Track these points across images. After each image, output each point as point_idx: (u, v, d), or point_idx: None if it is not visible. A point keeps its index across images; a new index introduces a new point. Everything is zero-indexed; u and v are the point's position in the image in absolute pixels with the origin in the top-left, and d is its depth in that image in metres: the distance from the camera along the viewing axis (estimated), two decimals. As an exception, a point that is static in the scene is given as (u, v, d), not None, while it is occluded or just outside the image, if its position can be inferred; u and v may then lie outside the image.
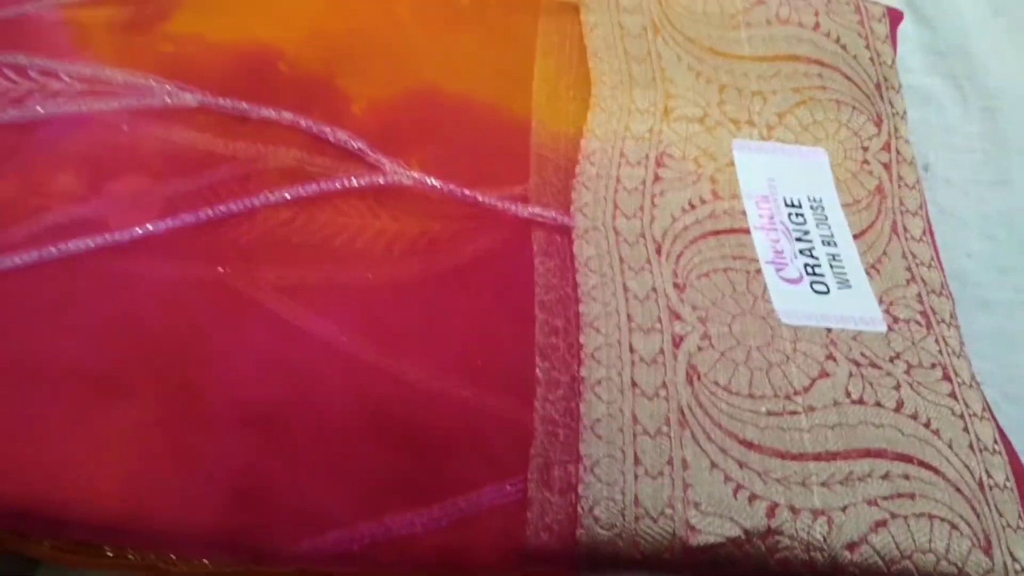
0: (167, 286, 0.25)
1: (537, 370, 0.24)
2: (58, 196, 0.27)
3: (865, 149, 0.32)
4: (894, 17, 0.36)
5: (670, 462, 0.23)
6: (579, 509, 0.22)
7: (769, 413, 0.24)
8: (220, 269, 0.25)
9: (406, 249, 0.27)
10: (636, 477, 0.23)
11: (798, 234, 0.29)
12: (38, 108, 0.29)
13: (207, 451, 0.22)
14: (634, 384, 0.24)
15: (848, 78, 0.33)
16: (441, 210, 0.28)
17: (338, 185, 0.28)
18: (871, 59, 0.34)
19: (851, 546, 0.22)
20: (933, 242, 0.30)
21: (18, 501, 0.21)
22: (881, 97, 0.33)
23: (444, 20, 0.33)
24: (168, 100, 0.29)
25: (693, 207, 0.29)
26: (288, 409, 0.23)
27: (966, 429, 0.25)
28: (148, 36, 0.31)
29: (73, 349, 0.23)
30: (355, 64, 0.31)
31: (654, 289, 0.27)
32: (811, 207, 0.30)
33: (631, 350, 0.25)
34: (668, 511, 0.22)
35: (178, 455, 0.22)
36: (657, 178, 0.30)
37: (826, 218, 0.30)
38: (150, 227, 0.26)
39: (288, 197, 0.27)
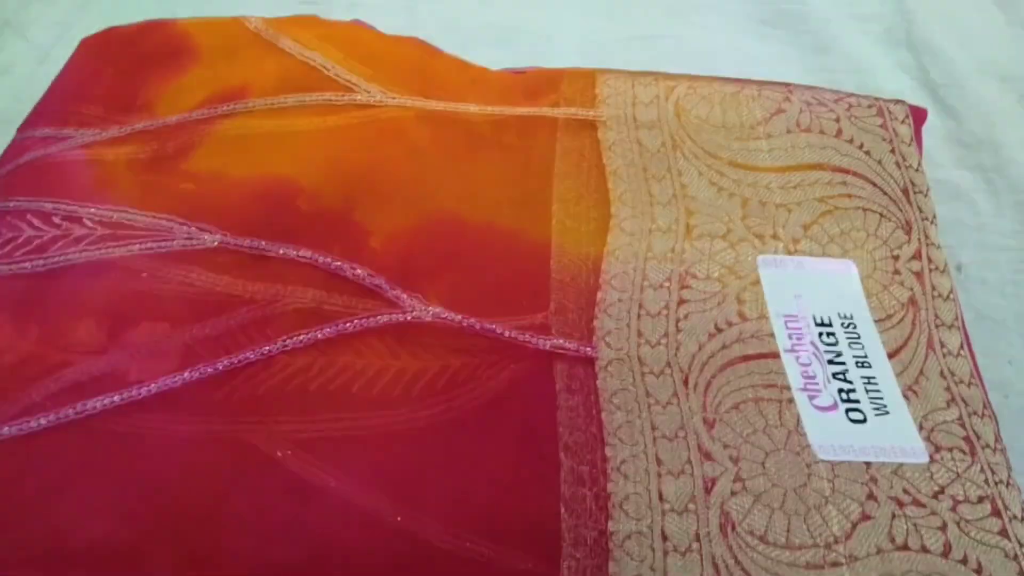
0: (186, 444, 0.24)
1: (563, 526, 0.23)
2: (78, 349, 0.26)
3: (895, 259, 0.30)
4: (917, 116, 0.35)
5: (706, 627, 0.22)
6: None
7: (808, 566, 0.23)
8: (235, 425, 0.25)
9: (425, 389, 0.26)
10: (669, 646, 0.21)
11: (830, 356, 0.28)
12: (60, 257, 0.29)
13: None
14: (665, 538, 0.23)
15: (874, 184, 0.32)
16: (460, 344, 0.28)
17: (356, 326, 0.27)
18: (896, 163, 0.33)
19: None
20: (971, 354, 0.29)
21: None
22: (909, 202, 0.32)
23: (461, 146, 0.33)
24: (188, 242, 0.29)
25: (720, 330, 0.28)
26: (305, 573, 0.22)
27: (1021, 573, 0.23)
28: (169, 175, 0.32)
29: (94, 521, 0.23)
30: (373, 196, 0.31)
31: (682, 427, 0.25)
32: (842, 325, 0.29)
33: (660, 498, 0.24)
34: None
35: None
36: (681, 300, 0.29)
37: (858, 336, 0.28)
38: (169, 381, 0.26)
39: (305, 341, 0.27)
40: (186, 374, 0.26)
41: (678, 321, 0.28)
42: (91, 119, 0.34)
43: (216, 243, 0.29)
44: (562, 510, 0.23)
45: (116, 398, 0.25)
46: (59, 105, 0.34)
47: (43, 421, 0.24)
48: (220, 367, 0.26)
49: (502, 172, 0.32)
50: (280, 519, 0.23)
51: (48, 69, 0.40)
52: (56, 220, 0.30)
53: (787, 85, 0.35)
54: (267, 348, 0.26)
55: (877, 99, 0.35)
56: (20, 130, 0.34)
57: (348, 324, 0.27)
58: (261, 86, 0.34)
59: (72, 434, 0.24)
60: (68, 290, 0.28)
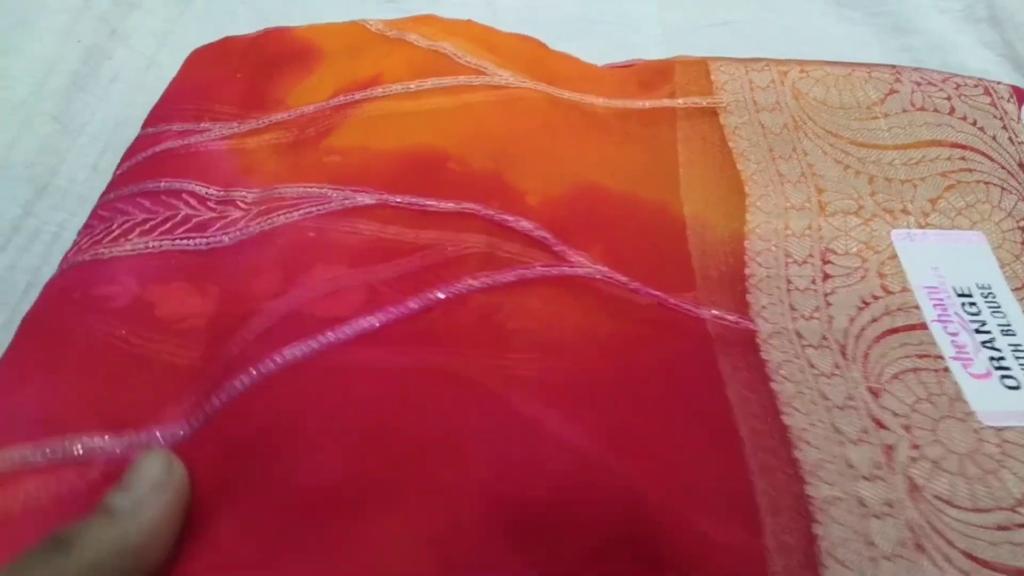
0: (401, 379, 0.23)
1: (757, 492, 0.23)
2: (257, 298, 0.26)
3: (1022, 229, 0.31)
4: (1020, 95, 0.35)
5: (915, 587, 0.22)
6: (829, 643, 0.21)
7: (999, 527, 0.23)
8: (443, 357, 0.24)
9: (603, 346, 0.26)
10: (883, 605, 0.21)
11: (975, 325, 0.28)
12: (223, 237, 0.28)
13: (476, 563, 0.21)
14: (861, 503, 0.23)
15: (991, 159, 0.32)
16: (622, 309, 0.27)
17: (536, 273, 0.27)
18: (1010, 139, 0.33)
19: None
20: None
21: None
22: (1025, 176, 0.32)
23: (591, 129, 0.33)
24: (346, 202, 0.28)
25: (867, 304, 0.28)
26: (545, 519, 0.21)
27: None
28: (313, 152, 0.31)
29: (330, 461, 0.22)
30: (521, 162, 0.30)
31: (851, 397, 0.25)
32: (982, 295, 0.29)
33: (848, 465, 0.24)
34: (921, 641, 0.21)
35: (449, 568, 0.20)
36: (826, 276, 0.29)
37: (999, 306, 0.29)
38: (369, 320, 0.25)
39: (491, 282, 0.26)
40: (385, 311, 0.25)
41: (826, 295, 0.28)
42: (226, 115, 0.33)
43: (375, 200, 0.28)
44: (754, 476, 0.23)
45: (322, 338, 0.24)
46: (190, 104, 0.34)
47: (253, 375, 0.23)
48: (413, 306, 0.25)
49: (630, 155, 0.32)
50: (513, 457, 0.22)
51: (154, 74, 0.40)
52: (211, 204, 0.29)
53: (893, 67, 0.35)
54: (454, 288, 0.26)
55: (981, 79, 0.35)
56: (150, 124, 0.34)
57: (527, 271, 0.27)
58: (394, 73, 0.33)
59: (283, 377, 0.23)
60: (239, 256, 0.27)
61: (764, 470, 0.24)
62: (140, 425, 0.24)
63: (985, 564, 0.22)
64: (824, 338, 0.27)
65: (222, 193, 0.30)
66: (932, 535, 0.22)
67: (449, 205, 0.28)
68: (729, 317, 0.27)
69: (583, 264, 0.28)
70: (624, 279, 0.28)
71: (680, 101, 0.34)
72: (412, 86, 0.32)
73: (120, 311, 0.26)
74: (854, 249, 0.29)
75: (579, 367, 0.25)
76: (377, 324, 0.24)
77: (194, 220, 0.29)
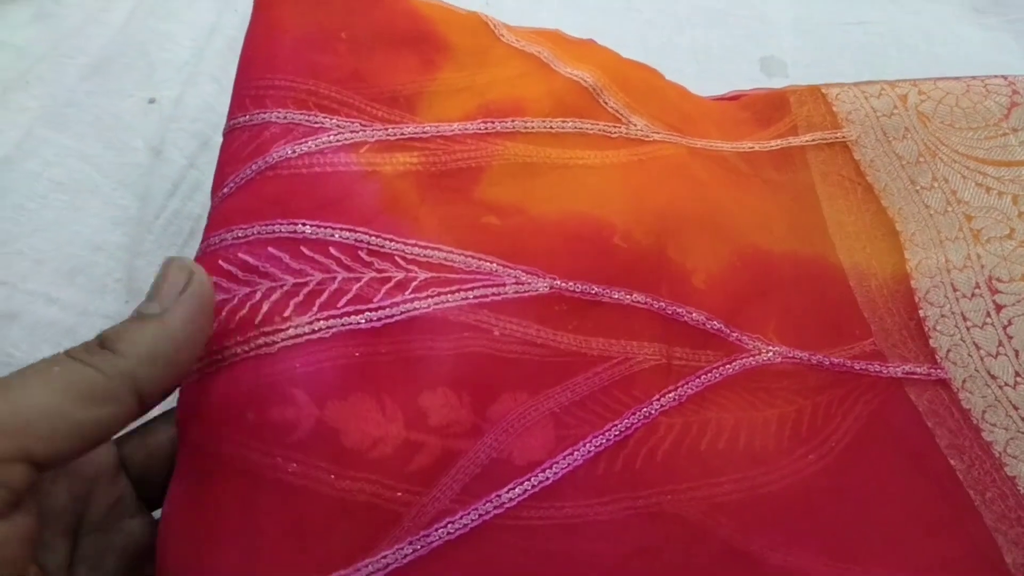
0: (616, 527, 0.23)
1: (1002, 550, 0.23)
2: (452, 431, 0.23)
3: None
4: None
5: None
6: None
7: None
8: (647, 496, 0.23)
9: (792, 437, 0.26)
10: None
11: None
12: (391, 309, 0.24)
13: None
14: (1110, 550, 0.23)
15: (1122, 162, 0.32)
16: (801, 383, 0.27)
17: (715, 377, 0.26)
18: None
19: None
20: None
21: None
22: None
23: (730, 180, 0.32)
24: (519, 287, 0.26)
25: (1046, 331, 0.28)
26: None
27: None
28: (466, 204, 0.27)
29: None
30: (681, 234, 0.29)
31: (1062, 434, 0.25)
32: None
33: (1083, 511, 0.24)
34: None
35: None
36: (998, 307, 0.28)
37: None
38: (570, 459, 0.23)
39: (676, 399, 0.25)
40: (582, 448, 0.24)
41: (1004, 328, 0.28)
42: (342, 107, 0.28)
43: (548, 288, 0.26)
44: (995, 536, 0.23)
45: (528, 485, 0.23)
46: (286, 75, 0.28)
47: (460, 524, 0.22)
48: (610, 438, 0.24)
49: (773, 203, 0.31)
50: None
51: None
52: (364, 256, 0.25)
53: (1004, 77, 0.35)
54: (644, 410, 0.25)
55: (1091, 79, 0.35)
56: (239, 107, 0.28)
57: (708, 375, 0.26)
58: (537, 105, 0.30)
59: (500, 534, 0.22)
60: (417, 353, 0.24)
61: (1004, 528, 0.23)
62: (342, 564, 0.22)
63: None
64: (1017, 375, 0.27)
65: (375, 240, 0.25)
66: None
67: (620, 295, 0.27)
68: (919, 369, 0.27)
69: (761, 350, 0.27)
70: (805, 355, 0.27)
71: (807, 138, 0.33)
72: (555, 125, 0.30)
73: (302, 444, 0.22)
74: (1018, 274, 0.29)
75: (778, 468, 0.25)
76: (580, 462, 0.23)
77: (354, 288, 0.24)
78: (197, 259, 0.25)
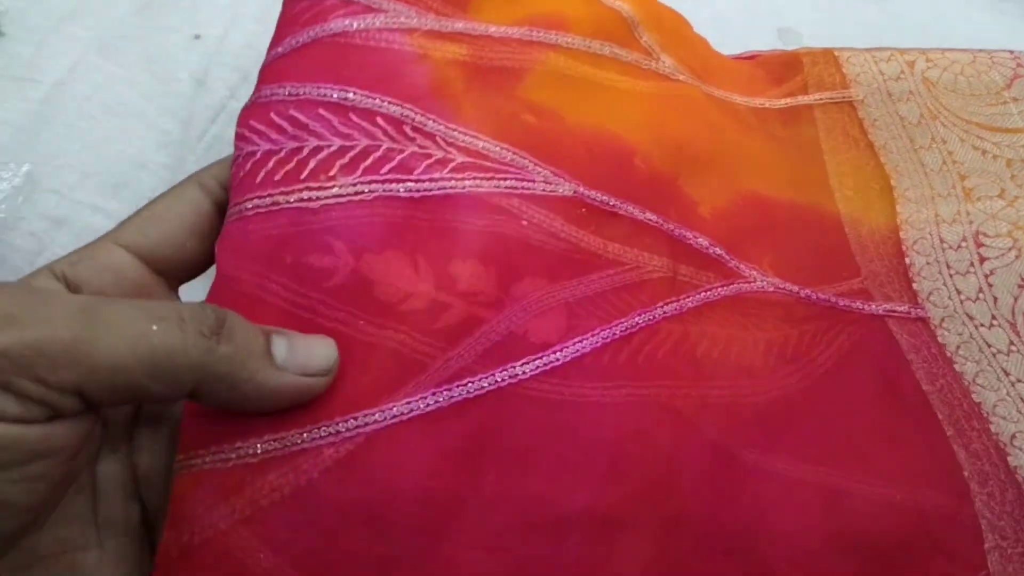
0: (610, 408, 0.24)
1: (962, 464, 0.25)
2: (479, 300, 0.25)
3: None
4: None
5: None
6: (1055, 597, 0.23)
7: None
8: (648, 388, 0.25)
9: (779, 355, 0.28)
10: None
11: None
12: (430, 183, 0.25)
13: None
14: (1061, 469, 0.25)
15: (1117, 135, 0.34)
16: (792, 313, 0.29)
17: (716, 294, 0.28)
18: None
19: None
20: None
21: None
22: None
23: (741, 130, 0.34)
24: (547, 186, 0.27)
25: (1025, 282, 0.30)
26: (758, 537, 0.24)
27: None
28: (509, 100, 0.29)
29: (561, 487, 0.23)
30: (693, 168, 0.31)
31: (1030, 370, 0.27)
32: None
33: (1041, 435, 0.26)
34: None
35: None
36: (982, 258, 0.30)
37: None
38: (581, 345, 0.25)
39: (678, 309, 0.27)
40: (593, 337, 0.25)
41: (986, 276, 0.30)
42: None
43: (572, 192, 0.28)
44: (956, 451, 0.25)
45: (541, 362, 0.24)
46: None
47: (479, 384, 0.24)
48: (617, 332, 0.26)
49: (777, 152, 0.33)
50: (725, 487, 0.24)
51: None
52: (408, 132, 0.26)
53: (1011, 52, 0.36)
54: (649, 314, 0.27)
55: (1092, 57, 0.36)
56: None
57: (709, 293, 0.28)
58: (579, 24, 0.32)
59: (505, 402, 0.24)
60: (450, 222, 0.25)
61: (964, 444, 0.25)
62: (363, 408, 0.23)
63: None
64: (993, 318, 0.29)
65: (420, 118, 0.26)
66: None
67: (635, 210, 0.28)
68: (900, 308, 0.29)
69: (756, 278, 0.29)
70: (795, 288, 0.29)
71: (815, 97, 0.35)
72: (594, 46, 0.31)
73: (338, 290, 0.23)
74: (1004, 230, 0.31)
75: (763, 381, 0.27)
76: (588, 348, 0.25)
77: (397, 157, 0.26)
78: (247, 110, 0.26)
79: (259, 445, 0.21)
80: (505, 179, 0.27)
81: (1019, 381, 0.27)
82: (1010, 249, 0.30)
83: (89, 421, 0.20)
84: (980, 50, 0.36)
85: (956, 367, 0.27)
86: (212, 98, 0.40)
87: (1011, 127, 0.34)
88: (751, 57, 0.38)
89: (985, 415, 0.26)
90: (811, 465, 0.25)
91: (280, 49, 0.27)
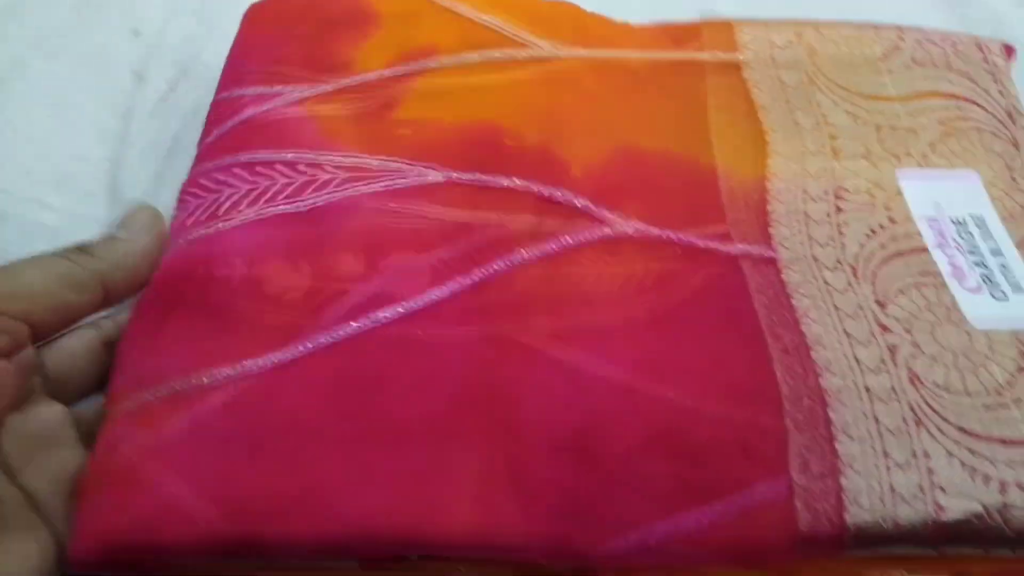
0: (464, 344, 0.28)
1: (779, 384, 0.27)
2: (349, 279, 0.30)
3: (1011, 169, 0.34)
4: (1009, 51, 0.38)
5: (914, 455, 0.26)
6: (844, 499, 0.25)
7: (985, 407, 0.27)
8: (499, 326, 0.29)
9: (638, 287, 0.30)
10: (888, 469, 0.25)
11: (969, 248, 0.32)
12: (314, 198, 0.32)
13: (531, 476, 0.25)
14: (868, 390, 0.27)
15: (983, 108, 0.36)
16: (658, 252, 0.31)
17: (576, 240, 0.31)
18: (1000, 92, 0.36)
19: (1076, 514, 0.25)
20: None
21: (391, 531, 0.24)
22: (1014, 123, 0.36)
23: (626, 87, 0.36)
24: (418, 179, 0.33)
25: (875, 232, 0.32)
26: (587, 436, 0.26)
27: None
28: (383, 124, 0.34)
29: (404, 404, 0.27)
30: (565, 134, 0.34)
31: (860, 307, 0.29)
32: (975, 224, 0.32)
33: (857, 361, 0.28)
34: (920, 495, 0.25)
35: (509, 482, 0.25)
36: (839, 210, 0.33)
37: (990, 232, 0.32)
38: (436, 293, 0.29)
39: (537, 254, 0.31)
40: (448, 285, 0.29)
41: (839, 226, 0.32)
42: (295, 78, 0.36)
43: (442, 178, 0.33)
44: (777, 372, 0.28)
45: (398, 309, 0.29)
46: (258, 65, 0.37)
47: (338, 333, 0.28)
48: (474, 279, 0.30)
49: (664, 108, 0.36)
50: (558, 396, 0.27)
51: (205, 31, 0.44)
52: (301, 168, 0.33)
53: (897, 27, 0.39)
54: (506, 261, 0.30)
55: (975, 37, 0.39)
56: (224, 88, 0.36)
57: (569, 238, 0.31)
58: (447, 46, 0.37)
59: (368, 343, 0.28)
60: (328, 226, 0.31)
61: (785, 368, 0.28)
62: (255, 356, 0.28)
63: (975, 434, 0.26)
64: (838, 261, 0.31)
65: (309, 156, 0.33)
66: (930, 413, 0.27)
67: (504, 181, 0.32)
68: (754, 249, 0.31)
69: (619, 223, 0.32)
70: (657, 230, 0.32)
71: (707, 55, 0.37)
72: (464, 58, 0.36)
73: (236, 290, 0.29)
74: (864, 187, 0.33)
75: (615, 310, 0.29)
76: (447, 294, 0.29)
77: (289, 187, 0.32)
78: (186, 182, 0.34)
79: (164, 389, 0.27)
80: (380, 181, 0.32)
81: (846, 317, 0.29)
82: (866, 204, 0.33)
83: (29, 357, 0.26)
84: (872, 24, 0.39)
85: (794, 302, 0.30)
86: (151, 92, 0.42)
87: (883, 95, 0.36)
88: (659, 25, 0.40)
89: (809, 344, 0.28)
90: (645, 378, 0.27)
91: (208, 139, 0.35)
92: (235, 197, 0.32)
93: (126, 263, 0.29)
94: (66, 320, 0.27)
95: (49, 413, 0.26)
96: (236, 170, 0.33)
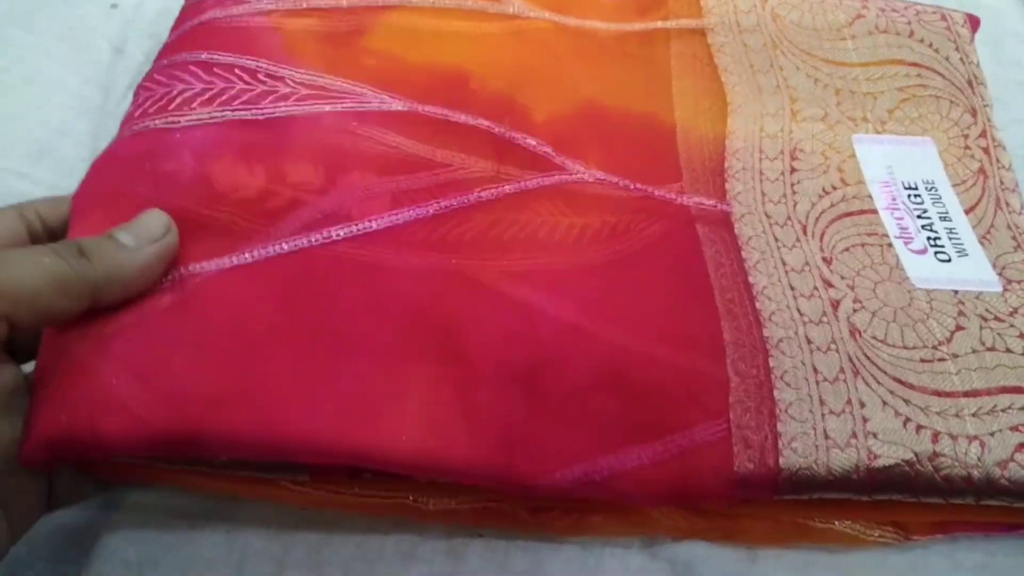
0: (416, 273, 0.28)
1: (724, 332, 0.28)
2: (305, 188, 0.29)
3: (966, 137, 0.35)
4: (973, 22, 0.39)
5: (849, 402, 0.26)
6: (779, 443, 0.25)
7: (922, 360, 0.27)
8: (454, 260, 0.29)
9: (593, 238, 0.30)
10: (823, 416, 0.26)
11: (918, 212, 0.32)
12: (275, 110, 0.31)
13: (479, 403, 0.26)
14: (808, 341, 0.28)
15: (943, 76, 0.36)
16: (614, 205, 0.32)
17: (535, 184, 0.31)
18: (960, 60, 0.37)
19: (1001, 464, 0.25)
20: (1028, 214, 0.33)
21: (334, 441, 0.25)
22: (973, 91, 0.36)
23: (592, 53, 0.37)
24: (380, 106, 0.32)
25: (827, 193, 0.32)
26: (537, 371, 0.26)
27: None
28: (351, 49, 0.34)
29: (356, 321, 0.27)
30: (531, 85, 0.34)
31: (807, 263, 0.30)
32: (926, 189, 0.33)
33: (799, 313, 0.28)
34: (852, 441, 0.25)
35: (457, 406, 0.26)
36: (793, 169, 0.33)
37: (940, 198, 0.33)
38: (394, 218, 0.29)
39: (496, 194, 0.31)
40: (408, 212, 0.29)
41: (792, 185, 0.32)
42: None
43: (404, 108, 0.32)
44: (722, 321, 0.28)
45: (355, 228, 0.29)
46: None
47: (294, 244, 0.28)
48: (431, 211, 0.30)
49: (628, 72, 0.36)
50: (509, 329, 0.27)
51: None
52: (261, 77, 0.32)
53: (863, -4, 0.39)
54: (465, 198, 0.30)
55: (939, 8, 0.39)
56: None
57: (529, 183, 0.31)
58: None
59: (323, 258, 0.28)
60: (287, 136, 0.30)
61: (730, 317, 0.28)
62: (203, 258, 0.27)
63: (910, 386, 0.27)
64: (788, 218, 0.31)
65: (272, 67, 0.32)
66: (867, 364, 0.27)
67: (467, 118, 0.32)
68: (708, 202, 0.32)
69: (578, 171, 0.32)
70: (616, 179, 0.32)
71: (672, 23, 0.37)
72: (439, 2, 0.36)
73: (185, 186, 0.29)
74: (819, 149, 0.34)
75: (568, 256, 0.30)
76: (403, 221, 0.29)
77: (248, 94, 0.32)
78: (141, 80, 0.32)
79: None
80: (343, 103, 0.32)
81: (792, 271, 0.30)
82: (820, 165, 0.33)
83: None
84: (835, -8, 0.39)
85: (743, 254, 0.30)
86: (130, 64, 0.41)
87: (844, 60, 0.36)
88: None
89: (755, 295, 0.29)
90: (596, 320, 0.28)
91: (169, 39, 0.34)
92: (188, 94, 0.31)
93: (121, 275, 0.25)
94: (47, 322, 0.25)
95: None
96: (192, 67, 0.32)
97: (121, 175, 0.29)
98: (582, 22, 0.38)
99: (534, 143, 0.32)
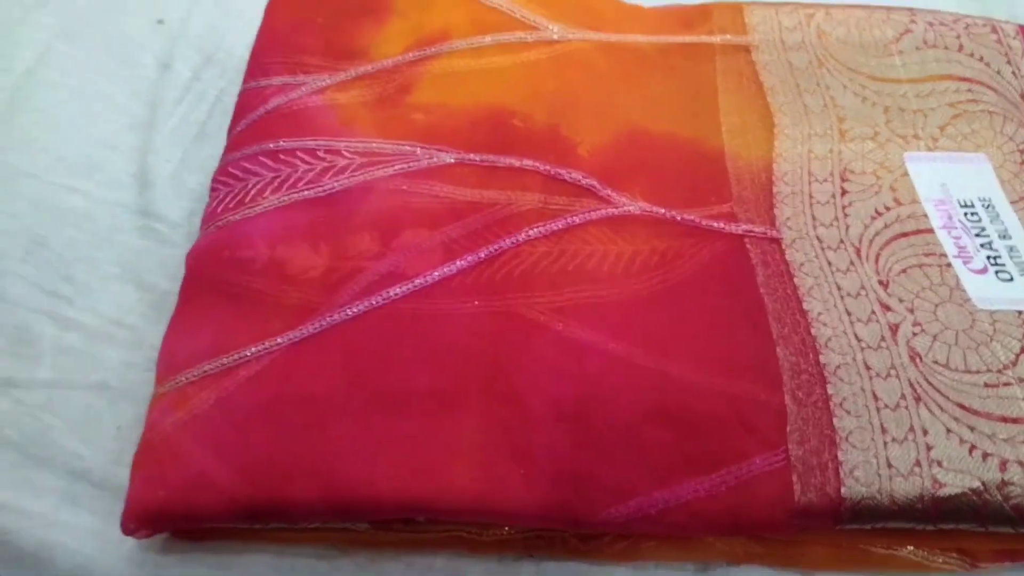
0: (470, 318, 0.29)
1: (780, 360, 0.28)
2: (364, 257, 0.31)
3: (1021, 152, 0.34)
4: (1025, 33, 0.38)
5: (911, 430, 0.26)
6: (840, 472, 0.25)
7: (986, 385, 0.27)
8: (502, 300, 0.29)
9: (642, 265, 0.31)
10: (885, 444, 0.26)
11: (976, 230, 0.32)
12: (335, 184, 0.33)
13: (532, 445, 0.26)
14: (867, 367, 0.27)
15: (995, 91, 0.36)
16: (662, 231, 0.32)
17: (581, 218, 0.32)
18: (1013, 73, 0.36)
19: (1074, 493, 0.25)
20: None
21: (396, 496, 0.25)
22: (1027, 105, 0.36)
23: (636, 70, 0.37)
24: (430, 160, 0.33)
25: (880, 214, 0.32)
26: (588, 407, 0.27)
27: None
28: (399, 109, 0.36)
29: (412, 376, 0.27)
30: (573, 115, 0.35)
31: (863, 287, 0.29)
32: (983, 206, 0.32)
33: (857, 339, 0.28)
34: (916, 470, 0.25)
35: (510, 449, 0.26)
36: (844, 191, 0.33)
37: (998, 215, 0.32)
38: (446, 270, 0.30)
39: (543, 232, 0.31)
40: (458, 263, 0.30)
41: (844, 207, 0.32)
42: (315, 68, 0.37)
43: (453, 159, 0.33)
44: (777, 349, 0.28)
45: (410, 285, 0.30)
46: (281, 56, 0.38)
47: (356, 309, 0.29)
48: (482, 256, 0.30)
49: (673, 90, 0.36)
50: (558, 367, 0.27)
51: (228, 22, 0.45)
52: (320, 154, 0.34)
53: (910, 9, 0.38)
54: (513, 239, 0.31)
55: (989, 19, 0.38)
56: (251, 78, 0.38)
57: (575, 217, 0.31)
58: (459, 30, 0.37)
59: (379, 317, 0.29)
60: (345, 211, 0.32)
61: (786, 344, 0.28)
62: (276, 335, 0.29)
63: (975, 412, 0.26)
64: (841, 242, 0.31)
65: (329, 143, 0.35)
66: (929, 390, 0.27)
67: (513, 161, 0.33)
68: (758, 229, 0.31)
69: (624, 203, 0.32)
70: (661, 210, 0.32)
71: (717, 38, 0.37)
72: (475, 41, 0.37)
73: (259, 271, 0.31)
74: (870, 169, 0.33)
75: (618, 287, 0.30)
76: (456, 270, 0.30)
77: (310, 173, 0.33)
78: (216, 171, 0.35)
79: (196, 371, 0.28)
80: (393, 165, 0.34)
81: (848, 296, 0.29)
82: (872, 185, 0.33)
83: None
84: (884, 7, 0.39)
85: (796, 280, 0.30)
86: (177, 80, 0.42)
87: (893, 77, 0.36)
88: (669, 8, 0.41)
89: (810, 321, 0.28)
90: (647, 352, 0.28)
91: (238, 128, 0.36)
92: (260, 184, 0.33)
93: None
94: None
95: None
96: (262, 158, 0.34)
97: (207, 265, 0.31)
98: (625, 37, 0.38)
99: (580, 176, 0.33)
